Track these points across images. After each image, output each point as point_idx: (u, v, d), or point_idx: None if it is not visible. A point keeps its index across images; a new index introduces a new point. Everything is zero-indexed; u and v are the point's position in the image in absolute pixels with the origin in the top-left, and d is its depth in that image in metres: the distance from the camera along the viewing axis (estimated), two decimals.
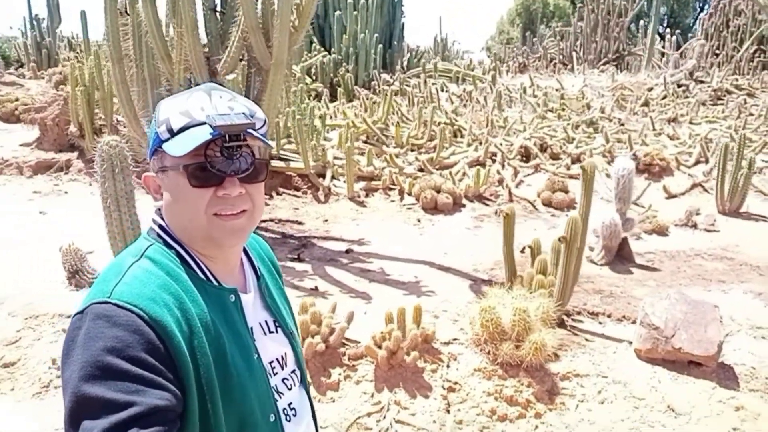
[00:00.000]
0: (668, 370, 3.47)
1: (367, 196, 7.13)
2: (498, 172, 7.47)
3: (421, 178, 7.01)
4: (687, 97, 10.56)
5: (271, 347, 1.12)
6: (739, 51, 14.58)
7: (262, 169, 1.03)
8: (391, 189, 7.26)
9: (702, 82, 11.10)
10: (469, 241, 5.93)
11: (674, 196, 7.27)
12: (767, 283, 4.88)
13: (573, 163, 7.78)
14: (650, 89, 10.93)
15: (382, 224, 6.36)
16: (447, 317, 4.03)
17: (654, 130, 9.10)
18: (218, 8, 5.25)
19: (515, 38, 27.27)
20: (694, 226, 6.32)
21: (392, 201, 7.04)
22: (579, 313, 4.31)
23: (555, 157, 8.04)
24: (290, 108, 7.17)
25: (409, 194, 6.95)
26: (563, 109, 9.73)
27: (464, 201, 7.02)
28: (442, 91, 10.23)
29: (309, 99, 9.88)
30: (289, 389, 1.15)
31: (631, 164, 5.03)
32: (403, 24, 12.44)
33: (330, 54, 10.51)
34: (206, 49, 5.15)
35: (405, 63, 11.71)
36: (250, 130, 0.99)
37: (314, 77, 10.32)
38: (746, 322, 4.16)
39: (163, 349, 0.90)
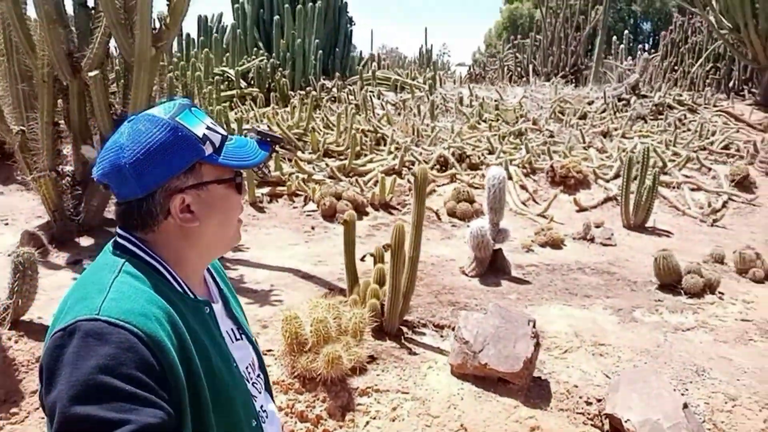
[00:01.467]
0: (477, 386, 3.33)
1: (270, 201, 6.99)
2: (409, 181, 7.34)
3: (326, 185, 6.88)
4: (626, 111, 10.49)
5: (242, 354, 1.15)
6: (702, 68, 14.56)
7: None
8: (297, 195, 7.12)
9: (645, 96, 11.04)
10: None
11: (585, 209, 7.16)
12: (635, 299, 4.75)
13: None
14: (590, 102, 10.86)
15: (273, 231, 6.22)
16: (276, 327, 3.88)
17: (583, 142, 9.01)
18: (87, 3, 5.13)
19: (501, 51, 27.41)
20: (591, 239, 6.20)
21: (294, 207, 6.90)
22: (425, 325, 4.17)
23: (474, 167, 7.93)
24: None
25: (313, 201, 6.82)
26: (497, 120, 9.64)
27: (369, 209, 6.89)
28: (378, 98, 10.13)
29: (241, 104, 9.78)
30: (259, 392, 1.18)
31: (503, 173, 4.91)
32: (351, 31, 12.36)
33: (269, 59, 10.39)
34: (73, 45, 5.02)
35: (348, 70, 11.59)
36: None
37: (251, 81, 10.21)
38: (591, 339, 4.03)
39: (157, 366, 0.88)
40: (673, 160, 8.34)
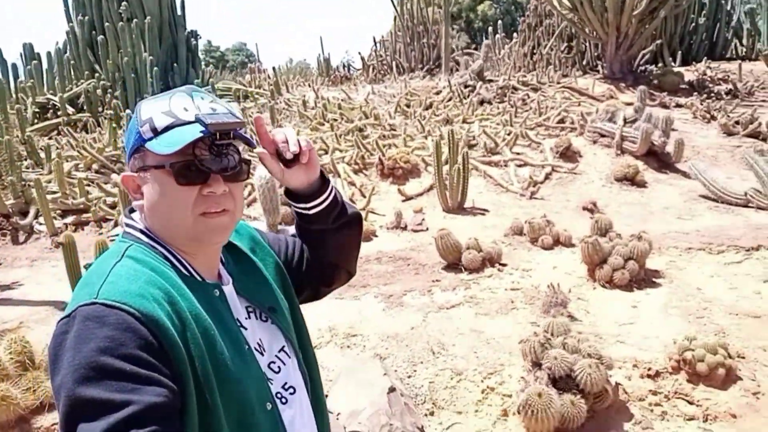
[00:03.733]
0: None
1: (75, 230, 6.51)
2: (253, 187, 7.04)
3: None
4: (471, 97, 10.65)
5: (255, 333, 1.12)
6: (553, 50, 15.11)
7: (245, 168, 1.06)
8: (107, 220, 6.68)
9: (491, 81, 11.27)
10: None
11: (410, 198, 7.11)
12: (414, 282, 4.67)
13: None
14: (438, 93, 10.97)
15: (61, 262, 5.76)
16: None
17: (423, 132, 9.03)
18: None
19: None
20: (404, 227, 6.13)
21: (101, 234, 6.44)
22: None
23: None
24: None
25: (117, 225, 6.39)
26: (339, 119, 9.51)
27: None
28: None
29: (74, 131, 9.18)
30: (277, 372, 1.13)
31: (268, 174, 4.70)
32: (195, 45, 11.94)
33: (99, 81, 9.83)
34: None
35: (196, 84, 11.15)
36: (238, 131, 1.03)
37: (82, 107, 9.61)
38: (345, 331, 3.88)
39: (157, 345, 0.89)
40: (505, 139, 8.48)
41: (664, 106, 11.42)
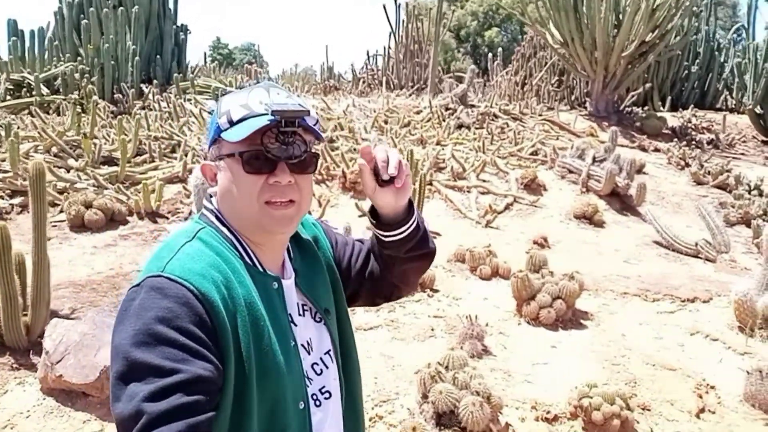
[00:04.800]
0: (59, 401, 2.99)
1: (21, 212, 6.42)
2: (185, 188, 6.98)
3: (80, 193, 6.40)
4: (452, 120, 10.65)
5: (304, 331, 1.14)
6: (543, 82, 15.20)
7: (312, 160, 1.10)
8: (56, 205, 6.59)
9: (473, 106, 11.29)
10: (79, 259, 5.35)
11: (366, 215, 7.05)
12: None
13: None
14: (418, 112, 10.97)
15: None
16: None
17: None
18: None
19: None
20: None
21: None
22: None
23: None
24: None
25: (62, 211, 6.31)
26: None
27: (131, 218, 6.46)
28: (194, 106, 9.75)
29: (44, 112, 9.11)
30: (319, 374, 1.15)
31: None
32: (183, 40, 11.92)
33: (77, 64, 9.78)
34: None
35: (175, 78, 11.08)
36: (304, 121, 1.06)
37: (58, 89, 9.55)
38: None
39: (209, 323, 0.95)
40: (474, 165, 8.46)
41: (643, 149, 11.47)
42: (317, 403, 1.13)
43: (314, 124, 1.10)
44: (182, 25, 11.97)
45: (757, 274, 4.55)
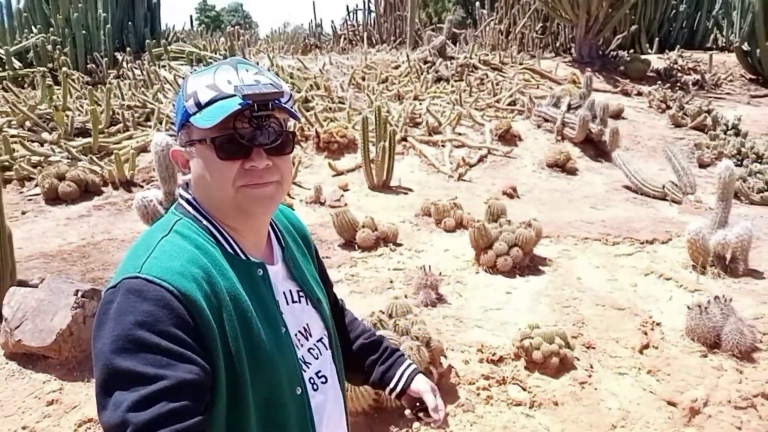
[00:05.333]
0: (20, 365, 3.15)
1: None
2: None
3: (53, 166, 6.47)
4: (430, 73, 10.56)
5: (294, 318, 1.12)
6: (527, 29, 14.92)
7: (288, 140, 1.05)
8: (31, 179, 6.67)
9: (452, 58, 11.15)
10: (52, 231, 5.46)
11: (341, 174, 7.12)
12: None
13: None
14: (396, 67, 10.87)
15: None
16: None
17: (372, 107, 8.97)
18: None
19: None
20: (323, 203, 6.16)
21: (21, 193, 6.45)
22: None
23: None
24: None
25: (37, 185, 6.39)
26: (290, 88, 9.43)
27: (106, 189, 6.54)
28: (169, 73, 9.69)
29: (19, 86, 9.07)
30: (316, 358, 1.15)
31: (166, 140, 4.69)
32: (155, 3, 11.70)
33: (49, 35, 9.68)
34: None
35: (147, 45, 10.93)
36: (277, 102, 1.00)
37: (31, 62, 9.49)
38: None
39: (192, 323, 0.92)
40: (449, 117, 8.45)
41: (626, 93, 11.37)
42: (315, 387, 1.13)
43: (287, 102, 1.04)
44: None
45: (712, 213, 4.64)
